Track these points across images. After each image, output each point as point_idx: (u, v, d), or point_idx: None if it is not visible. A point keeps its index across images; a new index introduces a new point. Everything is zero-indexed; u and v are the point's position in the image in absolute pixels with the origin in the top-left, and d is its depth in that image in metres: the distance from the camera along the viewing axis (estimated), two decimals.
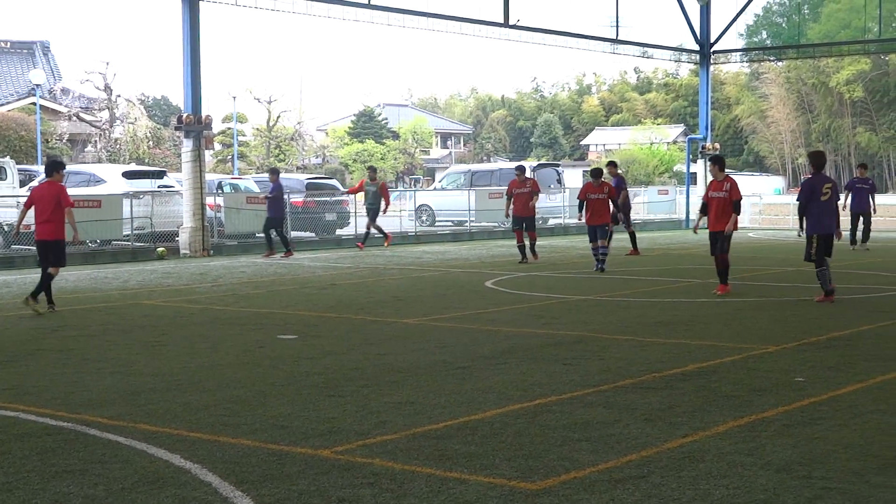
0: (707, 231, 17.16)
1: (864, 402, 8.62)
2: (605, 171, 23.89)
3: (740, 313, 14.67)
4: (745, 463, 6.77)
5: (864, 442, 7.30)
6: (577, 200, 22.33)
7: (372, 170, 30.45)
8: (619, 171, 27.49)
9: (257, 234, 30.15)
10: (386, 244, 30.06)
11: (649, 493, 6.15)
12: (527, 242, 23.87)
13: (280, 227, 26.93)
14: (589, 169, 24.94)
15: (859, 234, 28.05)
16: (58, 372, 10.35)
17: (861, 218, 28.06)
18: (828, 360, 10.69)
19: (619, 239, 26.51)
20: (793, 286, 18.24)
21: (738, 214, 16.64)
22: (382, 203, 28.95)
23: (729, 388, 9.20)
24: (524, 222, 23.99)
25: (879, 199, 30.35)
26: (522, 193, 23.89)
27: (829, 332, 12.53)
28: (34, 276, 21.18)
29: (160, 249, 26.36)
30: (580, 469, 6.66)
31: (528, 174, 25.96)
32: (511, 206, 24.02)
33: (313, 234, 31.47)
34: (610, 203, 21.94)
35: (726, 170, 17.24)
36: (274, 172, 27.66)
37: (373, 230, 29.68)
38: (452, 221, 38.73)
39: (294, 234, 30.90)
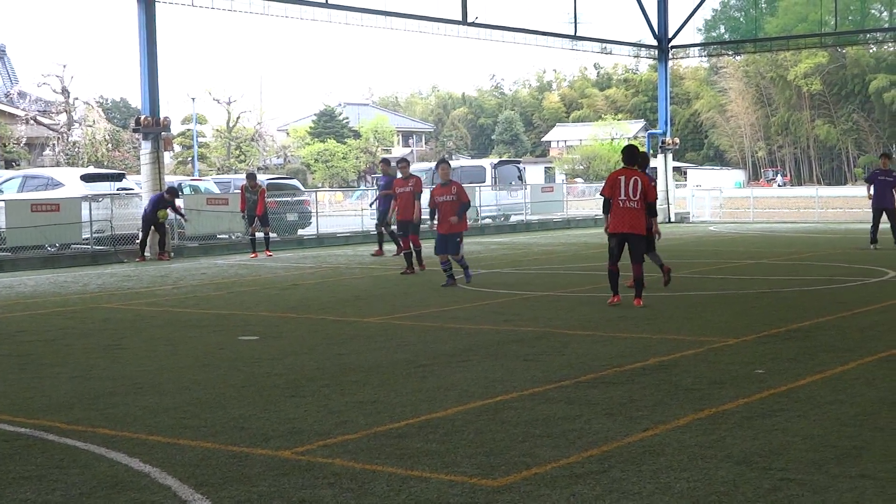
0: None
1: (822, 393, 8.67)
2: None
3: (701, 306, 14.73)
4: (705, 456, 6.79)
5: (823, 433, 7.35)
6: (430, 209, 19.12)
7: (251, 177, 28.08)
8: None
9: (218, 236, 30.04)
10: (252, 256, 27.03)
11: (610, 488, 6.15)
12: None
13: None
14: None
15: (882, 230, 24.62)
16: (15, 377, 10.24)
17: (884, 214, 24.47)
18: (787, 351, 10.75)
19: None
20: (753, 279, 18.35)
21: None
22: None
23: (689, 382, 9.23)
24: (408, 227, 20.80)
25: (840, 192, 30.13)
26: (405, 193, 20.65)
27: (788, 324, 12.60)
28: (9, 279, 21.02)
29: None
30: (541, 465, 6.66)
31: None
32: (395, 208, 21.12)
33: (275, 235, 31.35)
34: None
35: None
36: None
37: (258, 234, 27.47)
38: None
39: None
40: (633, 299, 14.75)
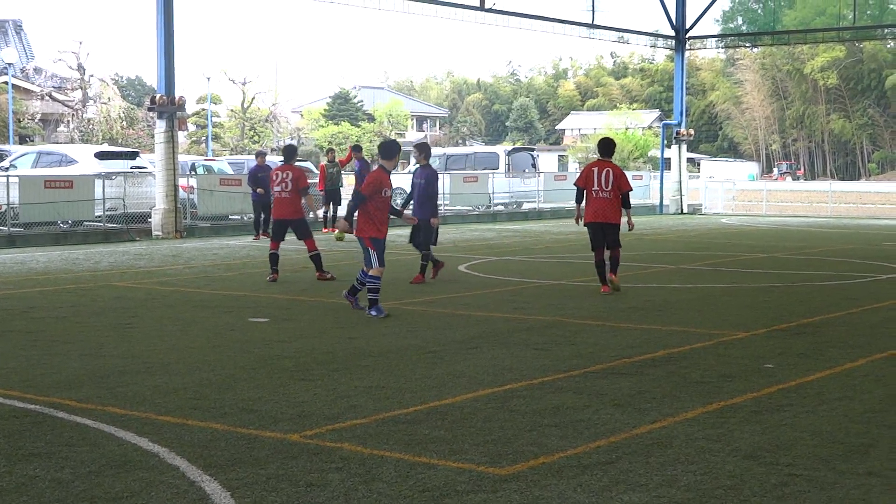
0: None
1: (831, 388, 8.67)
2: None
3: (712, 299, 14.72)
4: (713, 449, 6.80)
5: (831, 429, 7.35)
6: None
7: (331, 152, 29.80)
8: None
9: (230, 216, 30.06)
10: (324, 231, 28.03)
11: (617, 479, 6.17)
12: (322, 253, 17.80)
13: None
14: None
15: None
16: (26, 353, 10.28)
17: None
18: (797, 346, 10.75)
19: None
20: (764, 272, 18.31)
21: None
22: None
23: (699, 375, 9.23)
24: (289, 226, 16.86)
25: (854, 187, 30.19)
26: (283, 187, 16.51)
27: (798, 319, 12.59)
28: (6, 256, 21.09)
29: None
30: (549, 454, 6.67)
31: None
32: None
33: None
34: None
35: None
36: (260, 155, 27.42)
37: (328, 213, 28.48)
38: None
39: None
40: (608, 273, 15.25)
